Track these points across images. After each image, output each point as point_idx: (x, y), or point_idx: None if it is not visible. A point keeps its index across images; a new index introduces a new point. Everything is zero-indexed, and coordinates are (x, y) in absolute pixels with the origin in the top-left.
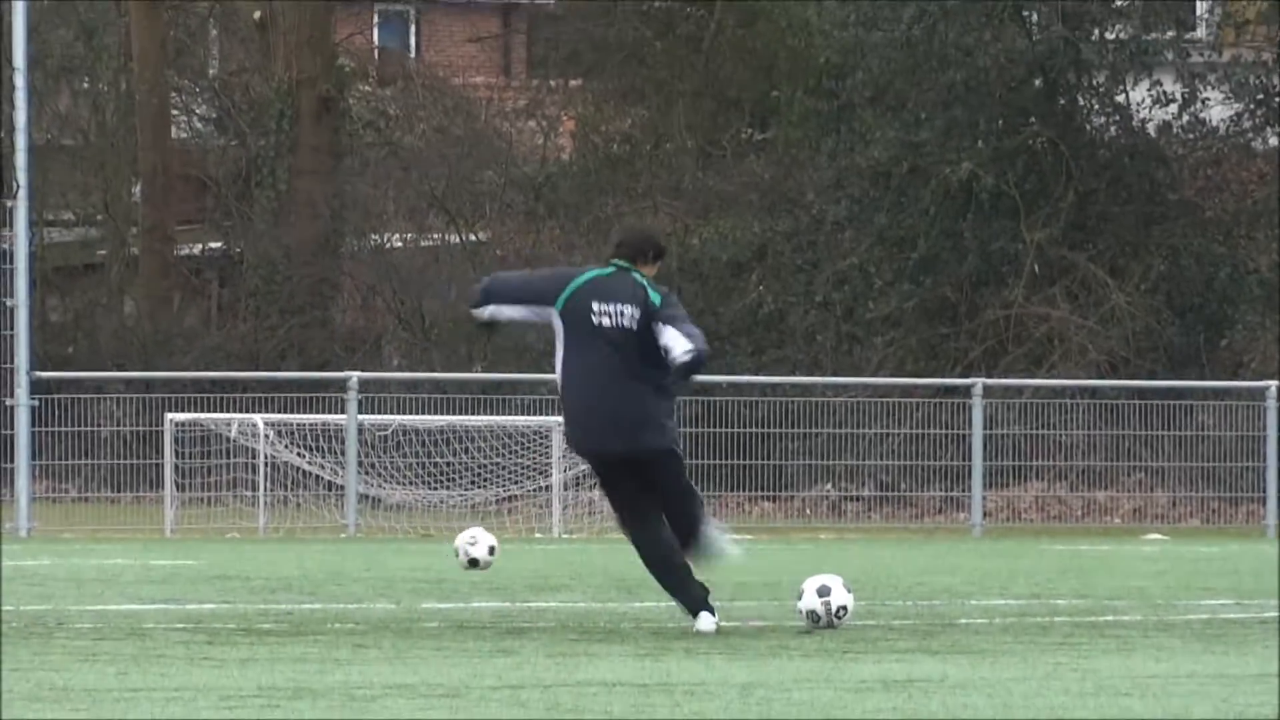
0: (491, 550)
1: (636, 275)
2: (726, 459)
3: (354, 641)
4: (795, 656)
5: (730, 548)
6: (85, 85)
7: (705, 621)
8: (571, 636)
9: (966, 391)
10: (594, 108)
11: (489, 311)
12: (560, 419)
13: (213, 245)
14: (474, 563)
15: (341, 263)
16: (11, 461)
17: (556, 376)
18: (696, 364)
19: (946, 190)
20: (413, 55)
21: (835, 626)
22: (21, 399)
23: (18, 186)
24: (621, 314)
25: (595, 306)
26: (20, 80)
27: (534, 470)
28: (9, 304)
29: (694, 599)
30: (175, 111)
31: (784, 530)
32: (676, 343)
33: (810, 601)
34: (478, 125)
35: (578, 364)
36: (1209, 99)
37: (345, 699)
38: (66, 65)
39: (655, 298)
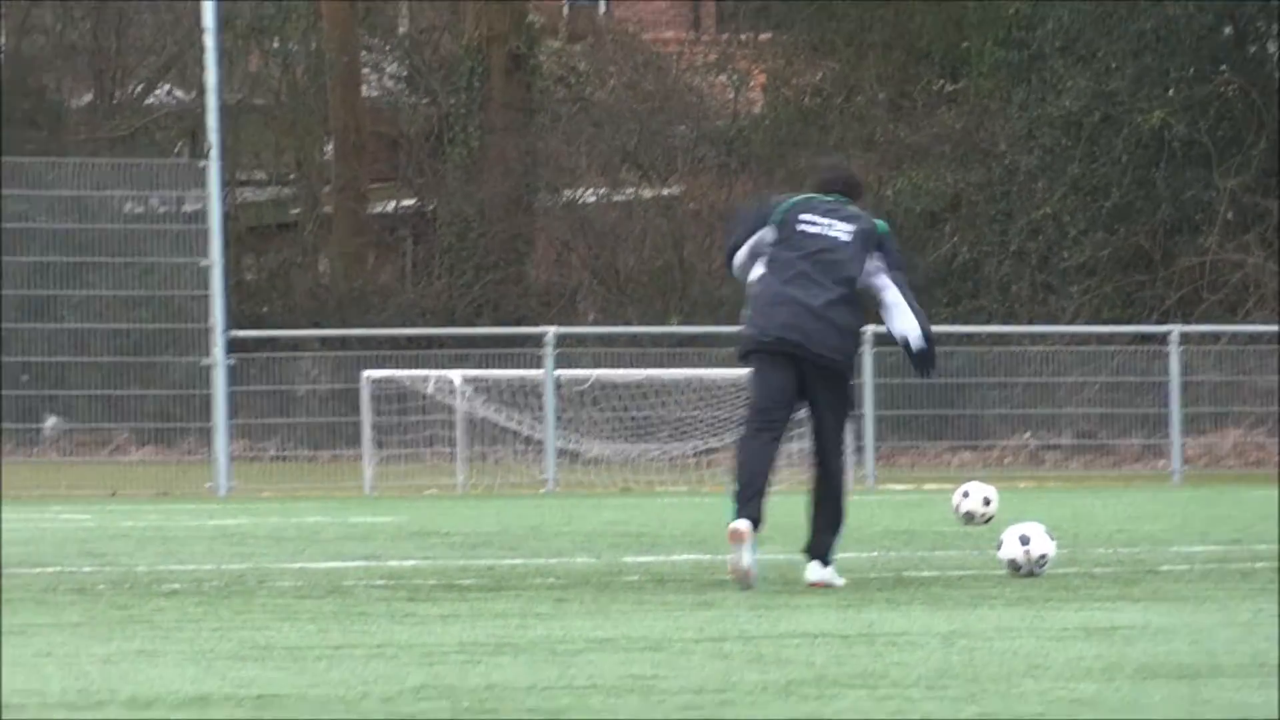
0: (986, 501)
1: (853, 208)
2: (925, 409)
3: (555, 596)
4: (997, 605)
5: (837, 580)
6: (275, 45)
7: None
8: (773, 588)
9: (1163, 339)
10: (784, 61)
11: (738, 259)
12: None
13: (406, 203)
14: (969, 517)
15: (535, 218)
16: (210, 421)
17: (752, 279)
18: (930, 359)
19: (1139, 139)
20: (602, 11)
21: (1037, 574)
22: (219, 358)
23: (210, 146)
24: (831, 225)
25: (804, 217)
26: (210, 41)
27: (733, 423)
28: (204, 264)
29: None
30: (366, 70)
31: (983, 479)
32: (908, 325)
33: (1011, 550)
34: (668, 80)
35: (777, 263)
36: None
37: (547, 653)
38: (256, 26)
39: (882, 225)
